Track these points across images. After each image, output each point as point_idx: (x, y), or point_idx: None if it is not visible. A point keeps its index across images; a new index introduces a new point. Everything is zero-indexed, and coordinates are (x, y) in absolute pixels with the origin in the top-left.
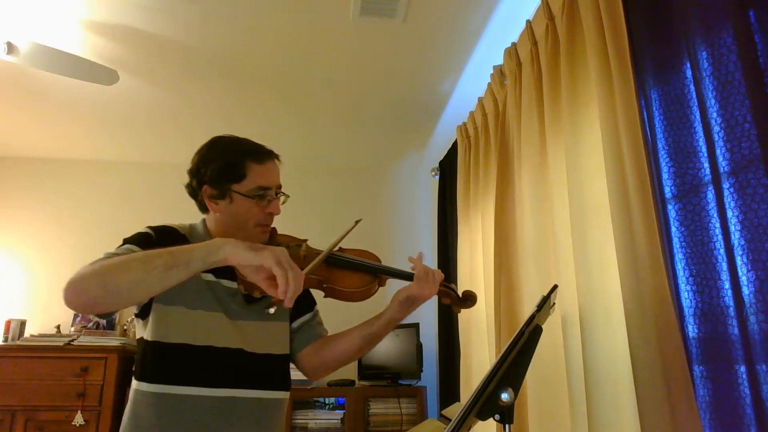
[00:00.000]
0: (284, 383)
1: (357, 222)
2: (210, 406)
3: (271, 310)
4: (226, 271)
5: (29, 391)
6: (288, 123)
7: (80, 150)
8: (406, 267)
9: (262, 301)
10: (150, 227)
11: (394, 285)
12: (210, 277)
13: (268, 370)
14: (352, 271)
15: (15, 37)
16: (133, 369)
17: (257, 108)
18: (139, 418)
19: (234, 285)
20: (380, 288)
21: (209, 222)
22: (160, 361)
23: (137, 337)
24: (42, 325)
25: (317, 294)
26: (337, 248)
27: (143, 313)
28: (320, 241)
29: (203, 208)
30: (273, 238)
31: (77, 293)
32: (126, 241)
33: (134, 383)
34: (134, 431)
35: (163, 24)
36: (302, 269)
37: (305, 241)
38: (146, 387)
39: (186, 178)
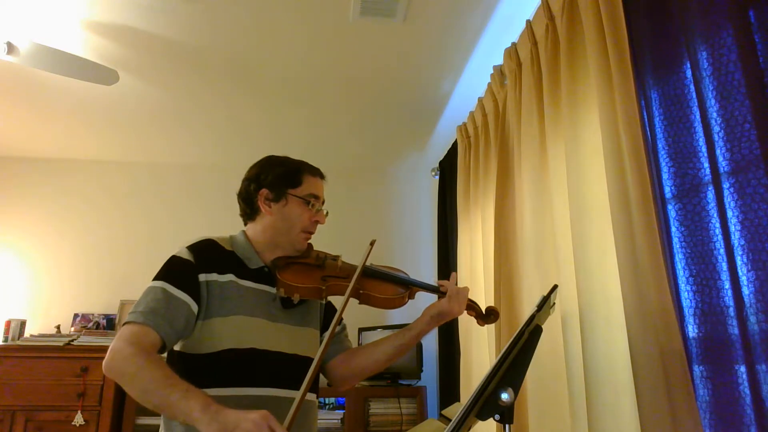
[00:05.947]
0: (315, 386)
1: (372, 243)
2: (251, 404)
3: None
4: (266, 277)
5: (29, 391)
6: (287, 123)
7: (84, 150)
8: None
9: (299, 306)
10: (189, 248)
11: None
12: (250, 283)
13: (303, 372)
14: (385, 281)
15: (15, 37)
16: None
17: (257, 108)
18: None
19: (273, 290)
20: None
21: (250, 232)
22: (207, 367)
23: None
24: (42, 325)
25: (351, 302)
26: (368, 264)
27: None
28: (319, 242)
29: (250, 215)
30: (309, 252)
31: (108, 372)
32: (162, 275)
33: None
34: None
35: (163, 24)
36: (340, 278)
37: (339, 256)
38: None
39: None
